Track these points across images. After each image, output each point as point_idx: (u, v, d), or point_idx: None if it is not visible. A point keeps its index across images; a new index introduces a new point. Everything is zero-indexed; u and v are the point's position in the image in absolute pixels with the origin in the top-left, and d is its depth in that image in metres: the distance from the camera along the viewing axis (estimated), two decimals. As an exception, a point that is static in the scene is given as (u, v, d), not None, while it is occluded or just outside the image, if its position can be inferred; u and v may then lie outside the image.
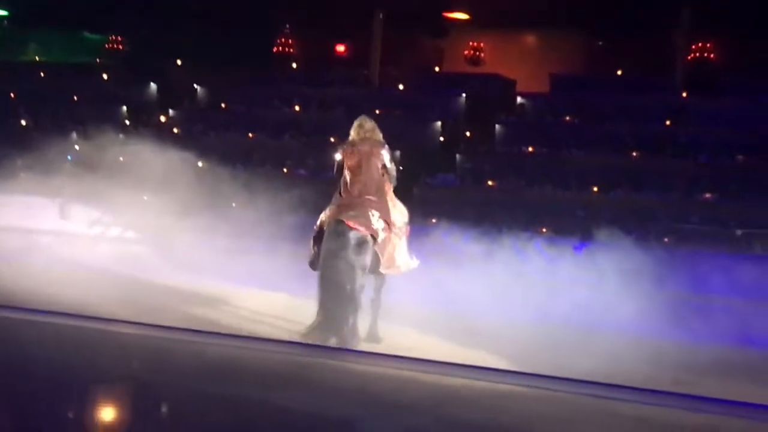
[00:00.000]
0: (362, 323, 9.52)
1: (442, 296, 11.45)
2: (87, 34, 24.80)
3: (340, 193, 9.68)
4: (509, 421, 6.46)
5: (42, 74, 23.08)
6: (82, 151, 17.73)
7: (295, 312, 10.42)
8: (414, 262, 9.95)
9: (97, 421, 6.08)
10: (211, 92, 21.80)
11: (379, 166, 9.64)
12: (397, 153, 13.07)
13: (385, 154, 9.72)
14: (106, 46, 23.56)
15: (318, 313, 9.28)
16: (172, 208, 14.01)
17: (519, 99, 19.59)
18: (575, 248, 13.59)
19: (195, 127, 20.65)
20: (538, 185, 17.61)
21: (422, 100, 20.18)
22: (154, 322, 9.31)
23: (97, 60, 23.74)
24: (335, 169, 9.84)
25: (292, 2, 20.35)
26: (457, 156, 18.82)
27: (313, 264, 9.60)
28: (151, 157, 14.71)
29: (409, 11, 19.79)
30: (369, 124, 9.89)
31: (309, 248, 9.71)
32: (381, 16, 20.58)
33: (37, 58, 24.68)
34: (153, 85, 22.30)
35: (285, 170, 19.05)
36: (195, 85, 21.92)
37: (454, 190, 18.04)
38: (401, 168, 11.06)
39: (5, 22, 25.16)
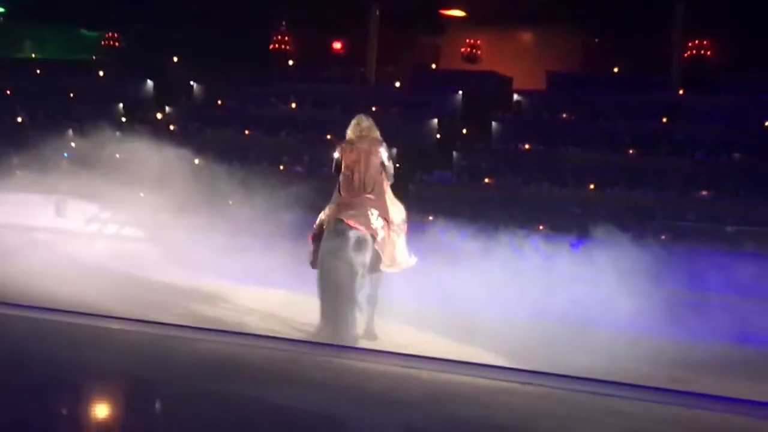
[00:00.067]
0: (359, 320, 9.52)
1: (439, 293, 11.44)
2: (83, 31, 24.79)
3: (339, 192, 9.69)
4: (507, 417, 6.46)
5: (38, 71, 23.00)
6: (79, 149, 17.69)
7: (292, 309, 10.43)
8: (412, 260, 9.97)
9: (93, 418, 6.07)
10: (208, 89, 21.78)
11: (378, 163, 9.66)
12: (394, 150, 13.05)
13: (383, 152, 9.74)
14: (102, 43, 23.51)
15: (322, 316, 9.32)
16: (168, 205, 13.98)
17: (515, 96, 19.57)
18: (572, 245, 13.58)
19: (191, 125, 20.65)
20: (534, 182, 17.64)
21: (419, 98, 20.17)
22: (151, 319, 9.30)
23: (93, 57, 23.72)
24: (333, 168, 9.84)
25: (289, -1, 20.37)
26: (454, 153, 18.84)
27: (313, 263, 9.61)
28: (147, 155, 14.67)
29: (406, 8, 19.77)
30: (366, 122, 9.90)
31: (309, 247, 9.72)
32: (377, 13, 20.58)
33: (33, 55, 24.67)
34: (149, 82, 22.29)
35: (281, 167, 19.07)
36: (191, 82, 21.90)
37: (451, 187, 18.04)
38: (398, 165, 11.06)
39: (1, 19, 25.09)
